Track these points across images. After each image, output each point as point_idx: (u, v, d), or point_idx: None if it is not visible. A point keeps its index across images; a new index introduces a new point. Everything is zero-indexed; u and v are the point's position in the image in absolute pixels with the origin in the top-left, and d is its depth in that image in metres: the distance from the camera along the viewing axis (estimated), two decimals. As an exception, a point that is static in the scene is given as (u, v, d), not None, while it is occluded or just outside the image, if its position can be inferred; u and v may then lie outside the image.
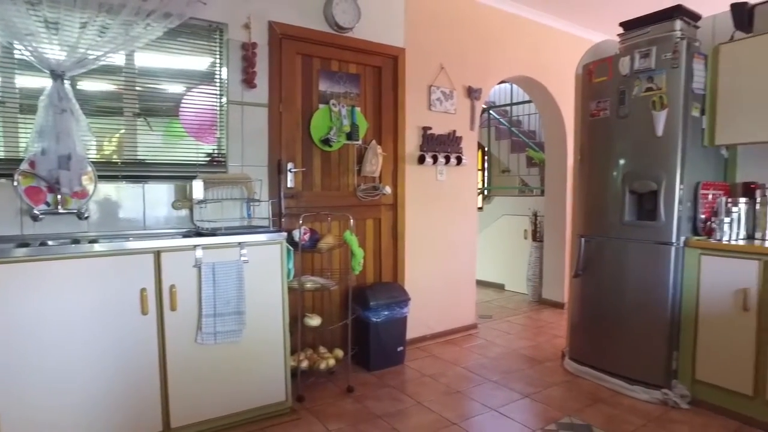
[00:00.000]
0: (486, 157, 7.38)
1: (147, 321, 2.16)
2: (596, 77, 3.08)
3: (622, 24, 3.10)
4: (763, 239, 2.70)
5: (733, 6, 2.76)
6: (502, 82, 4.39)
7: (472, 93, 3.95)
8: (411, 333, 3.53)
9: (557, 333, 3.99)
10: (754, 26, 2.69)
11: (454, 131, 3.85)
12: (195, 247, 2.27)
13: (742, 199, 2.75)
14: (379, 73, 3.48)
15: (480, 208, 5.86)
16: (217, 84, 2.83)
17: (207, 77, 2.82)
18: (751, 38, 2.65)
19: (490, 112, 6.92)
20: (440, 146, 3.77)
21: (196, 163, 2.79)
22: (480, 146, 6.87)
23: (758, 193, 2.76)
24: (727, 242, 2.63)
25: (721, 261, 2.60)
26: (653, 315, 2.80)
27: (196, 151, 2.80)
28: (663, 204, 2.75)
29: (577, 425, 2.49)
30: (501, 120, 6.98)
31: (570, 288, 3.37)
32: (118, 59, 2.51)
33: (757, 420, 2.48)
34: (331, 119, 3.22)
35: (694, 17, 2.90)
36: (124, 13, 2.29)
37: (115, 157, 2.57)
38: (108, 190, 2.49)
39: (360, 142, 3.36)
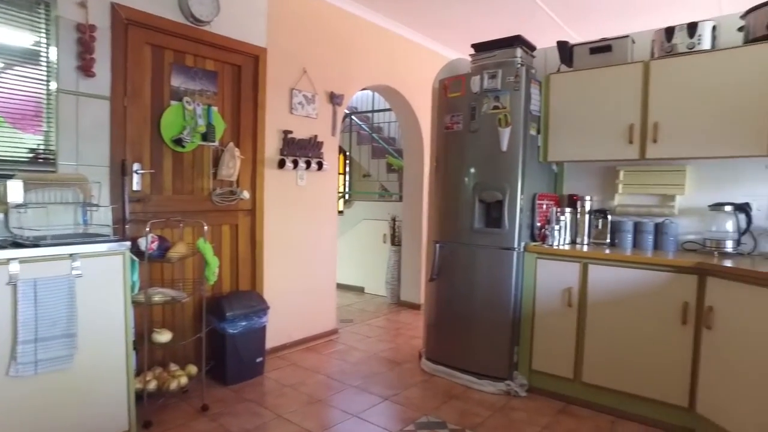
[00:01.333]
0: (348, 162, 7.50)
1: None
2: (451, 92, 3.30)
3: (473, 45, 3.37)
4: (582, 243, 3.15)
5: (559, 43, 3.17)
6: (364, 89, 4.49)
7: (334, 98, 3.97)
8: (271, 342, 3.42)
9: (414, 334, 4.19)
10: (574, 63, 3.12)
11: (316, 136, 3.82)
12: (9, 260, 1.91)
13: (568, 209, 3.17)
14: (238, 72, 3.32)
15: (341, 212, 5.93)
16: (44, 67, 2.43)
17: (30, 57, 2.39)
18: (571, 72, 3.07)
19: (352, 117, 7.04)
20: (301, 151, 3.72)
21: (15, 159, 2.37)
22: (342, 150, 6.95)
23: (578, 203, 3.20)
24: (556, 247, 3.01)
25: (552, 264, 2.96)
26: (498, 314, 3.08)
27: (16, 145, 2.37)
28: (507, 213, 3.04)
29: (434, 423, 2.63)
30: (363, 126, 7.15)
31: (426, 291, 3.56)
32: None
33: (578, 398, 2.88)
34: (184, 118, 2.98)
35: (531, 47, 3.27)
36: None
37: None
38: None
39: (216, 143, 3.16)
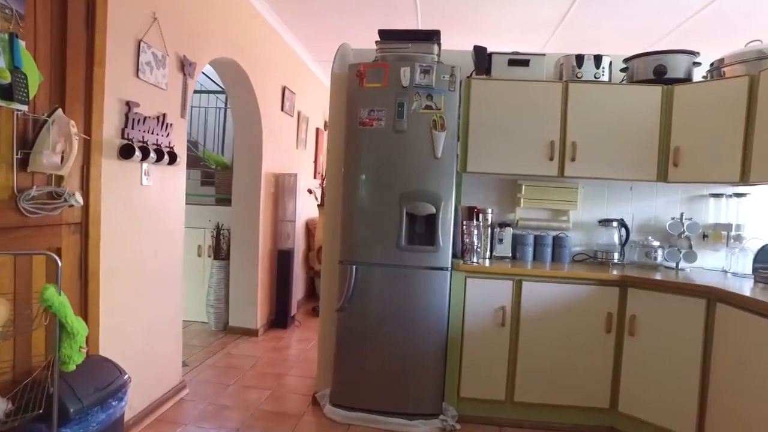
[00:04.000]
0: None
1: None
2: (369, 82, 2.64)
3: (381, 32, 2.79)
4: (484, 258, 2.95)
5: (476, 48, 2.90)
6: (213, 61, 3.29)
7: (186, 67, 2.76)
8: (113, 430, 2.10)
9: (284, 371, 3.29)
10: (492, 71, 2.90)
11: (164, 115, 2.57)
12: None
13: (473, 222, 2.92)
14: (64, -5, 1.90)
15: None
16: None
17: None
18: (493, 80, 2.84)
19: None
20: (149, 134, 2.44)
21: None
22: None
23: (481, 216, 3.00)
24: (476, 263, 2.73)
25: (484, 283, 2.67)
26: (429, 343, 2.62)
27: None
28: (441, 228, 2.60)
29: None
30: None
31: (323, 323, 2.81)
32: None
33: (510, 419, 2.68)
34: (-29, 50, 1.50)
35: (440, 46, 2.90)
36: None
37: None
38: None
39: (26, 108, 1.72)
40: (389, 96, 2.61)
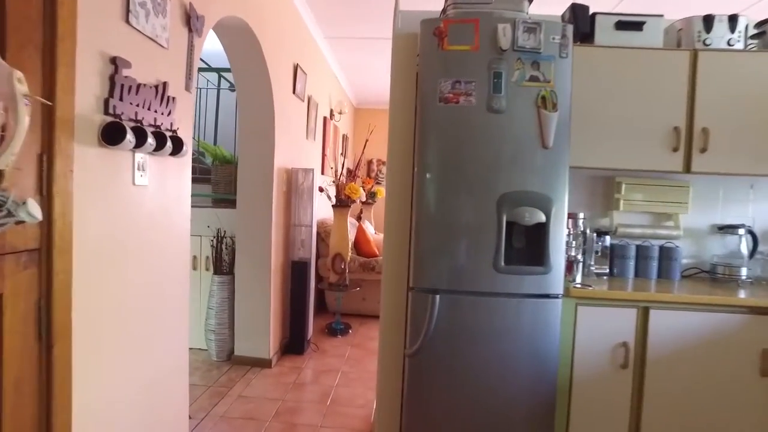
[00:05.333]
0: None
1: None
2: (453, 43, 1.87)
3: (455, -19, 2.03)
4: (582, 274, 2.26)
5: (575, 6, 2.18)
6: (219, 21, 2.44)
7: (192, 21, 1.93)
8: None
9: (317, 419, 2.50)
10: (595, 37, 2.18)
11: (165, 85, 1.74)
12: None
13: (572, 229, 2.22)
14: None
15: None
16: None
17: None
18: (599, 48, 2.13)
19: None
20: (144, 110, 1.61)
21: None
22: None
23: (571, 222, 2.30)
24: (578, 284, 2.02)
25: (599, 311, 1.96)
26: (533, 396, 1.89)
27: None
28: (552, 242, 1.87)
29: None
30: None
31: (384, 370, 2.05)
32: None
33: (632, 492, 1.99)
34: None
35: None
36: None
37: None
38: None
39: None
40: (481, 63, 1.85)
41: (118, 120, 1.43)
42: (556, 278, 1.88)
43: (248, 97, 3.08)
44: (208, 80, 4.59)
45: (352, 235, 4.52)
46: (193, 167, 4.15)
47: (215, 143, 4.28)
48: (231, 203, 3.31)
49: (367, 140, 4.74)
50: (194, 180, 4.08)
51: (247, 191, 3.19)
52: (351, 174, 4.51)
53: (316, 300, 4.50)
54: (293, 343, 3.48)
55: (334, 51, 4.63)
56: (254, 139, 3.15)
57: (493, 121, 1.86)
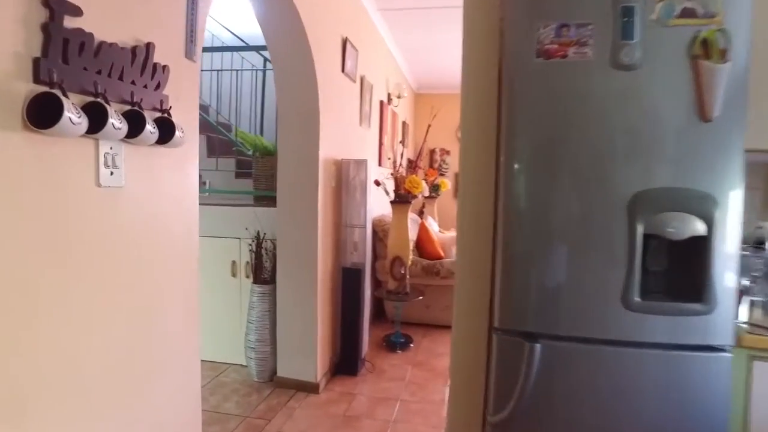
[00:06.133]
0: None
1: None
2: (557, -31, 1.25)
3: None
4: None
5: None
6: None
7: (193, -38, 1.43)
8: None
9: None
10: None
11: (149, 46, 1.25)
12: None
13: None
14: None
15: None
16: None
17: None
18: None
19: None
20: (109, 80, 1.12)
21: None
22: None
23: None
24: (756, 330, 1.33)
25: (785, 370, 1.27)
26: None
27: None
28: (715, 265, 1.20)
29: None
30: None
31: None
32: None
33: None
34: None
35: None
36: None
37: None
38: None
39: None
40: (601, -7, 1.21)
41: (50, 90, 0.95)
42: (722, 320, 1.21)
43: (287, 75, 2.58)
44: (252, 63, 4.17)
45: (413, 234, 3.96)
46: (236, 161, 3.80)
47: (261, 133, 3.87)
48: (273, 201, 2.86)
49: (429, 125, 4.13)
50: (236, 175, 3.72)
51: (287, 187, 2.71)
52: (412, 165, 3.93)
53: (373, 306, 3.99)
54: (345, 363, 2.99)
55: (390, 27, 4.05)
56: (295, 126, 2.66)
57: (620, 83, 1.21)
